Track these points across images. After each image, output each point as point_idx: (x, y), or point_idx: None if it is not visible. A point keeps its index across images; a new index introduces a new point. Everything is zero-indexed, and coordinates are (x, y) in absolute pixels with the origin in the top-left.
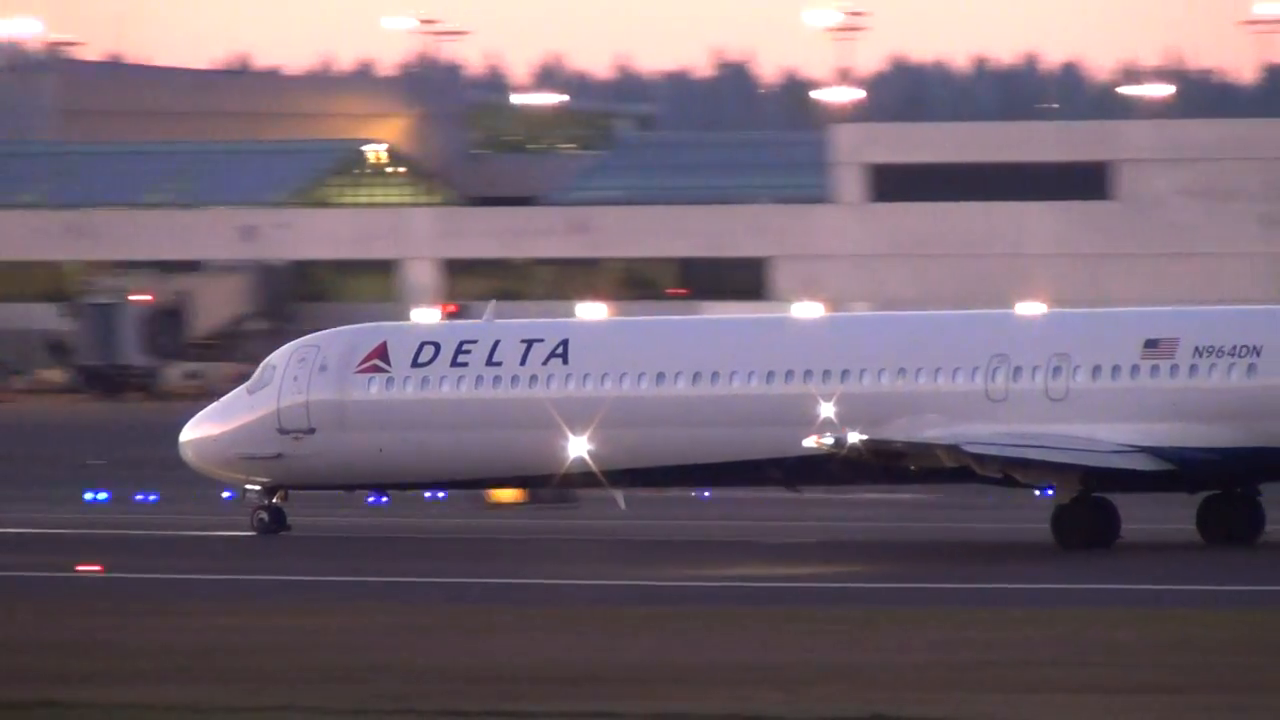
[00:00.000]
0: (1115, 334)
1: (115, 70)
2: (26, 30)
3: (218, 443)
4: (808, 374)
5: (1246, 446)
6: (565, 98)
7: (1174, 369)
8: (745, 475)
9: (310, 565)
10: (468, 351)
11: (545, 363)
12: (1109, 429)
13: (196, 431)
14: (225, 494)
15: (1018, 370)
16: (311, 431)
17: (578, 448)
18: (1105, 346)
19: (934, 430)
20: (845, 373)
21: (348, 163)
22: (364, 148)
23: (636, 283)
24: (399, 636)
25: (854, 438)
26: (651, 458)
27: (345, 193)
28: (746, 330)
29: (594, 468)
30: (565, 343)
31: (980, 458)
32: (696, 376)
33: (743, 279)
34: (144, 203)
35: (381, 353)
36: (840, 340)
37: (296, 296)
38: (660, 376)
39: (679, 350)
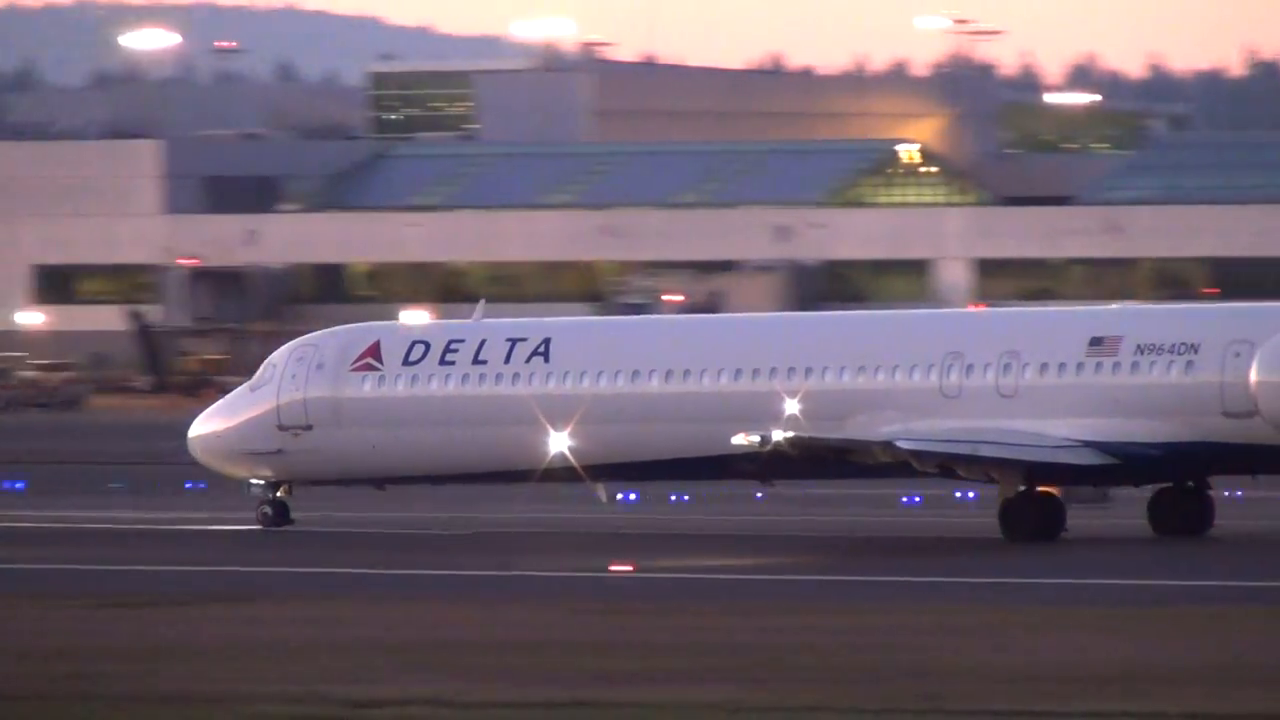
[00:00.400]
0: (1062, 332)
1: (648, 70)
2: (561, 31)
3: (222, 439)
4: (773, 371)
5: (1186, 441)
6: (1097, 97)
7: (1117, 366)
8: (718, 470)
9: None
10: (455, 350)
11: (528, 361)
12: (1056, 424)
13: (203, 428)
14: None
15: (970, 367)
16: (309, 428)
17: (559, 443)
18: (1053, 344)
19: (892, 426)
20: (809, 370)
21: (881, 163)
22: (897, 148)
23: (1169, 282)
24: (932, 637)
25: (778, 435)
26: (627, 453)
27: (879, 193)
28: (719, 329)
29: (574, 462)
30: (547, 341)
31: (916, 454)
32: (669, 374)
33: None
34: (677, 203)
35: (374, 352)
36: (805, 338)
37: (829, 296)
38: (635, 374)
39: (654, 349)
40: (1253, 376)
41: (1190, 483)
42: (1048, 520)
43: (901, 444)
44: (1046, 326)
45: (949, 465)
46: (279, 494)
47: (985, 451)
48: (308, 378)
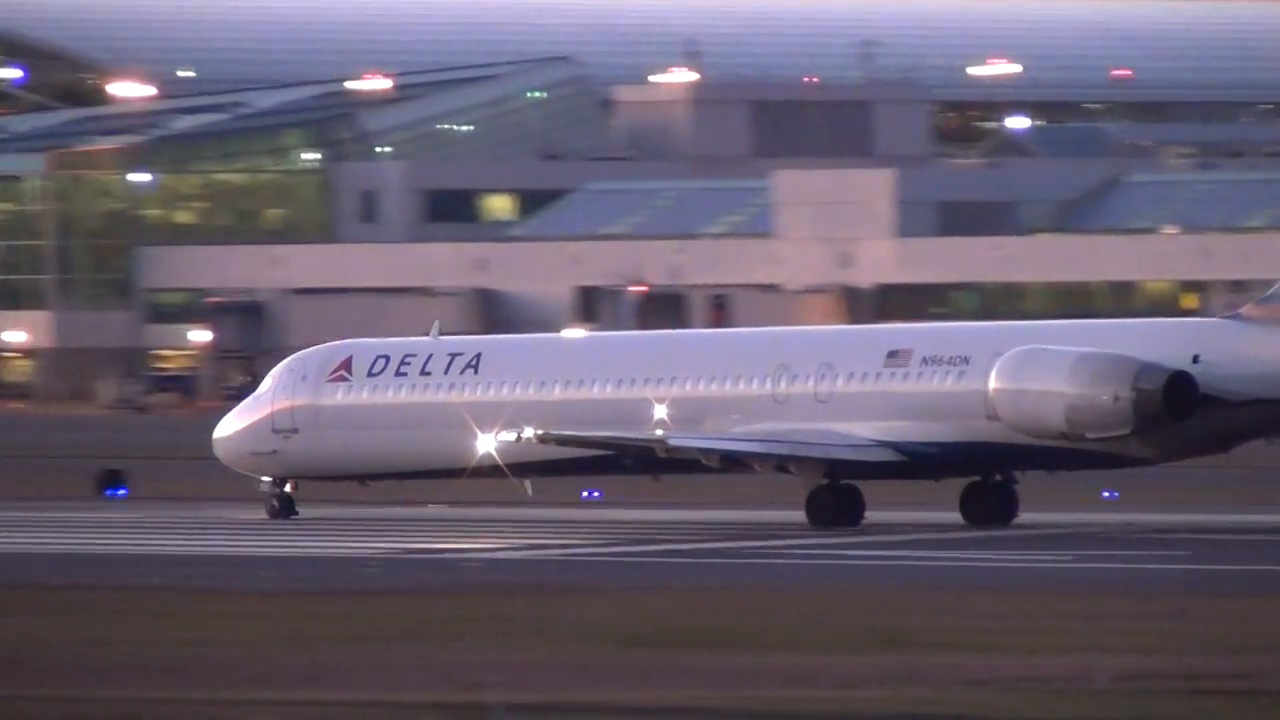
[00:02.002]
0: (866, 346)
1: None
2: None
3: (232, 441)
4: (646, 381)
5: (961, 441)
6: None
7: (906, 375)
8: (610, 467)
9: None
10: (408, 363)
11: (462, 372)
12: (861, 426)
13: (222, 431)
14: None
15: (795, 377)
16: (296, 431)
17: (486, 444)
18: (858, 357)
19: (738, 427)
20: (674, 379)
21: None
22: None
23: None
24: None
25: (529, 432)
26: (539, 453)
27: None
28: (609, 344)
29: (499, 461)
30: (479, 356)
31: (686, 450)
32: (567, 383)
33: None
34: None
35: (347, 364)
36: (670, 353)
37: None
38: (541, 384)
39: (558, 362)
40: (991, 385)
41: (997, 477)
42: (847, 509)
43: (672, 442)
44: (855, 341)
45: (743, 461)
46: (285, 489)
47: (750, 448)
48: (295, 388)
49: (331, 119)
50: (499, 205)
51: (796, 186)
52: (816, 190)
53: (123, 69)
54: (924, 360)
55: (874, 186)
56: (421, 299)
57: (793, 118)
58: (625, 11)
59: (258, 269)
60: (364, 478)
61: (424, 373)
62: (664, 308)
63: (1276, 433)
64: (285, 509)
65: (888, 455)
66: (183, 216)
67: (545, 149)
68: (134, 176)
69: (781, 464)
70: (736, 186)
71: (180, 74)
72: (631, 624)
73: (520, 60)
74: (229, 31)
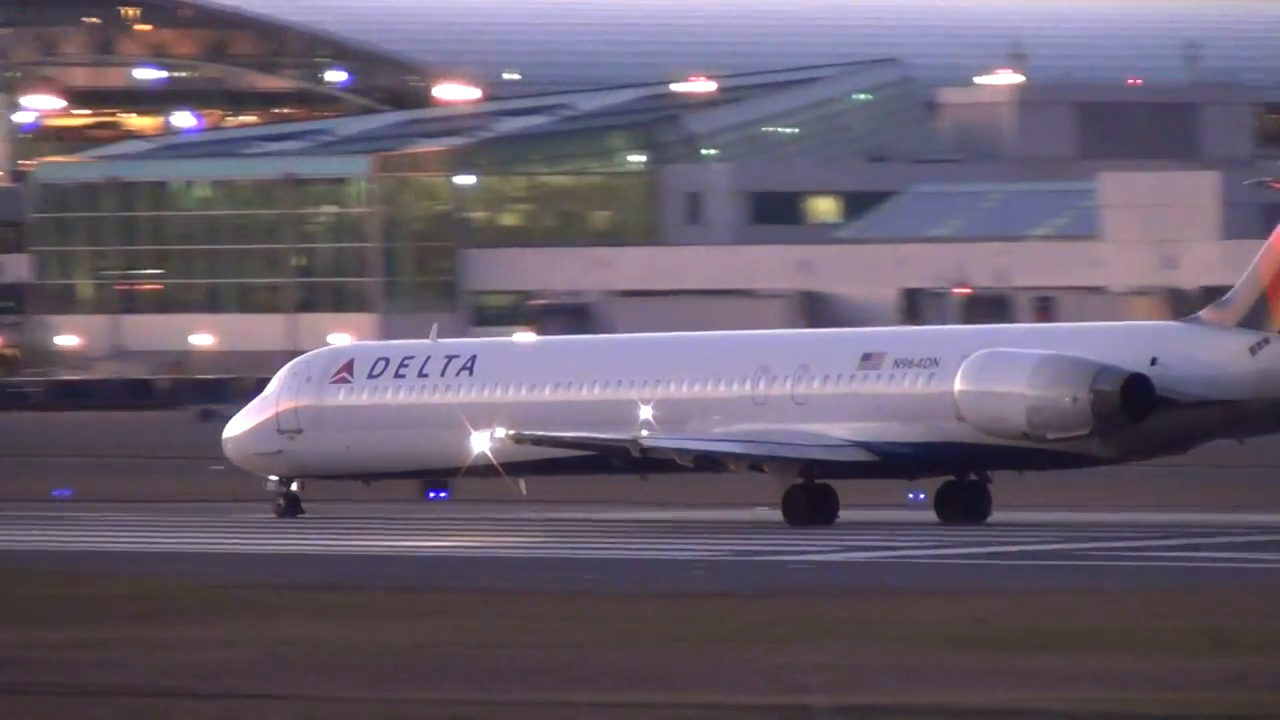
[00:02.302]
0: (842, 349)
1: None
2: None
3: (240, 441)
4: (632, 382)
5: (930, 441)
6: None
7: (879, 377)
8: (599, 467)
9: None
10: (407, 365)
11: (457, 374)
12: (836, 427)
13: (231, 431)
14: None
15: (773, 379)
16: (300, 432)
17: (480, 444)
18: (834, 359)
19: (719, 427)
20: (659, 381)
21: None
22: None
23: None
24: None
25: (500, 433)
26: (530, 453)
27: None
28: (596, 347)
29: (493, 460)
30: (474, 358)
31: (653, 449)
32: (557, 385)
33: None
34: None
35: (348, 367)
36: (658, 355)
37: None
38: (532, 385)
39: (549, 364)
40: (956, 386)
41: (971, 476)
42: (822, 508)
43: (643, 442)
44: (831, 344)
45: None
46: (291, 488)
47: (719, 448)
48: (299, 389)
49: (656, 121)
50: (824, 207)
51: (1121, 188)
52: (1141, 192)
53: (448, 72)
54: (896, 363)
55: (1199, 188)
56: (746, 301)
57: (1117, 120)
58: (950, 13)
59: (583, 271)
60: (365, 477)
61: (421, 374)
62: (988, 310)
63: (1230, 433)
64: (292, 508)
65: (861, 455)
66: (508, 219)
67: (870, 151)
68: (459, 179)
69: (756, 464)
70: (1061, 189)
71: (505, 76)
72: (959, 626)
73: (845, 62)
74: (553, 34)
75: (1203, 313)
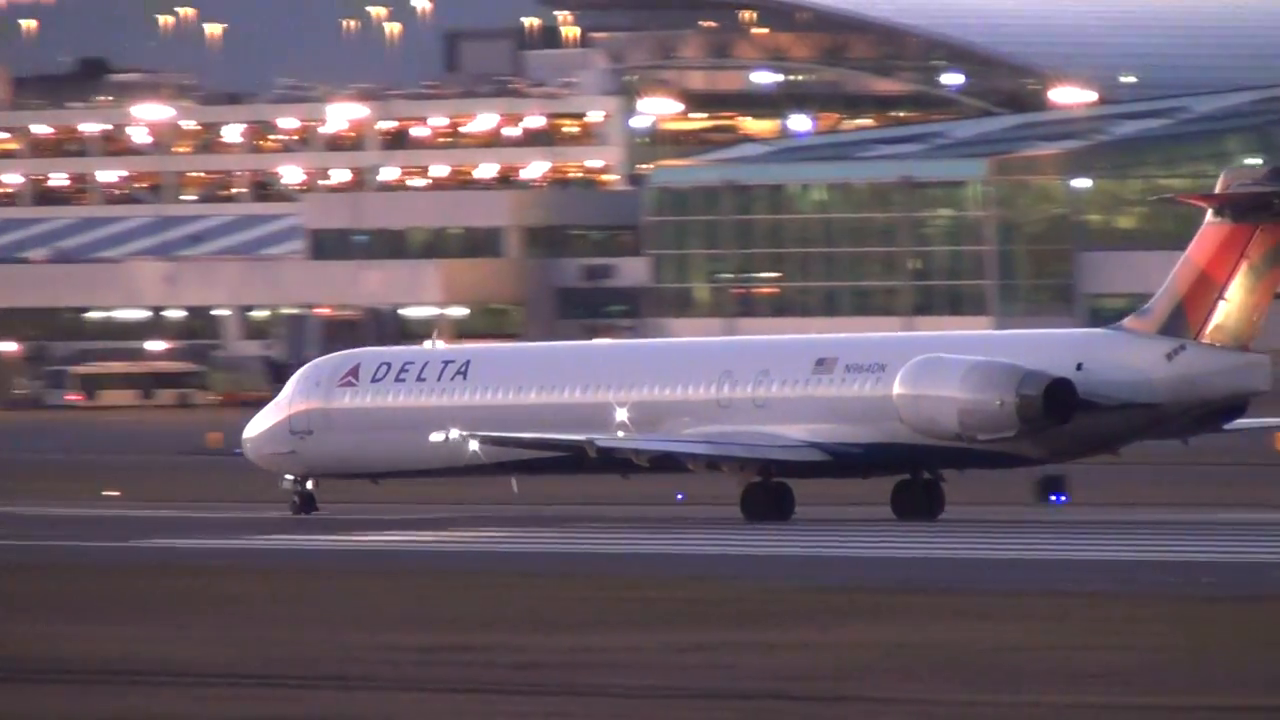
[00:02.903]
0: (798, 355)
1: None
2: None
3: (257, 441)
4: (610, 386)
5: (878, 442)
6: None
7: (832, 382)
8: (580, 465)
9: None
10: (407, 370)
11: (452, 379)
12: (792, 428)
13: (250, 431)
14: None
15: (736, 383)
16: (310, 433)
17: (473, 444)
18: (791, 365)
19: (689, 429)
20: (634, 385)
21: None
22: None
23: None
24: None
25: (454, 433)
26: (518, 453)
27: None
28: (580, 353)
29: (484, 460)
30: (468, 363)
31: (607, 450)
32: (542, 389)
33: None
34: None
35: (355, 371)
36: (635, 361)
37: None
38: (520, 389)
39: (536, 369)
40: (895, 390)
41: (925, 475)
42: (778, 504)
43: (599, 443)
44: (789, 350)
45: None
46: (307, 486)
47: (674, 449)
48: (309, 392)
49: (1273, 124)
50: None
51: None
52: None
53: (1064, 75)
54: (847, 368)
55: None
56: None
57: None
58: None
59: None
60: (371, 476)
61: (420, 379)
62: None
63: (1151, 434)
64: (307, 505)
65: (815, 455)
66: (1124, 222)
67: None
68: (1075, 182)
69: (712, 463)
70: None
71: (1122, 80)
72: None
73: None
74: (1170, 37)
75: (1126, 321)
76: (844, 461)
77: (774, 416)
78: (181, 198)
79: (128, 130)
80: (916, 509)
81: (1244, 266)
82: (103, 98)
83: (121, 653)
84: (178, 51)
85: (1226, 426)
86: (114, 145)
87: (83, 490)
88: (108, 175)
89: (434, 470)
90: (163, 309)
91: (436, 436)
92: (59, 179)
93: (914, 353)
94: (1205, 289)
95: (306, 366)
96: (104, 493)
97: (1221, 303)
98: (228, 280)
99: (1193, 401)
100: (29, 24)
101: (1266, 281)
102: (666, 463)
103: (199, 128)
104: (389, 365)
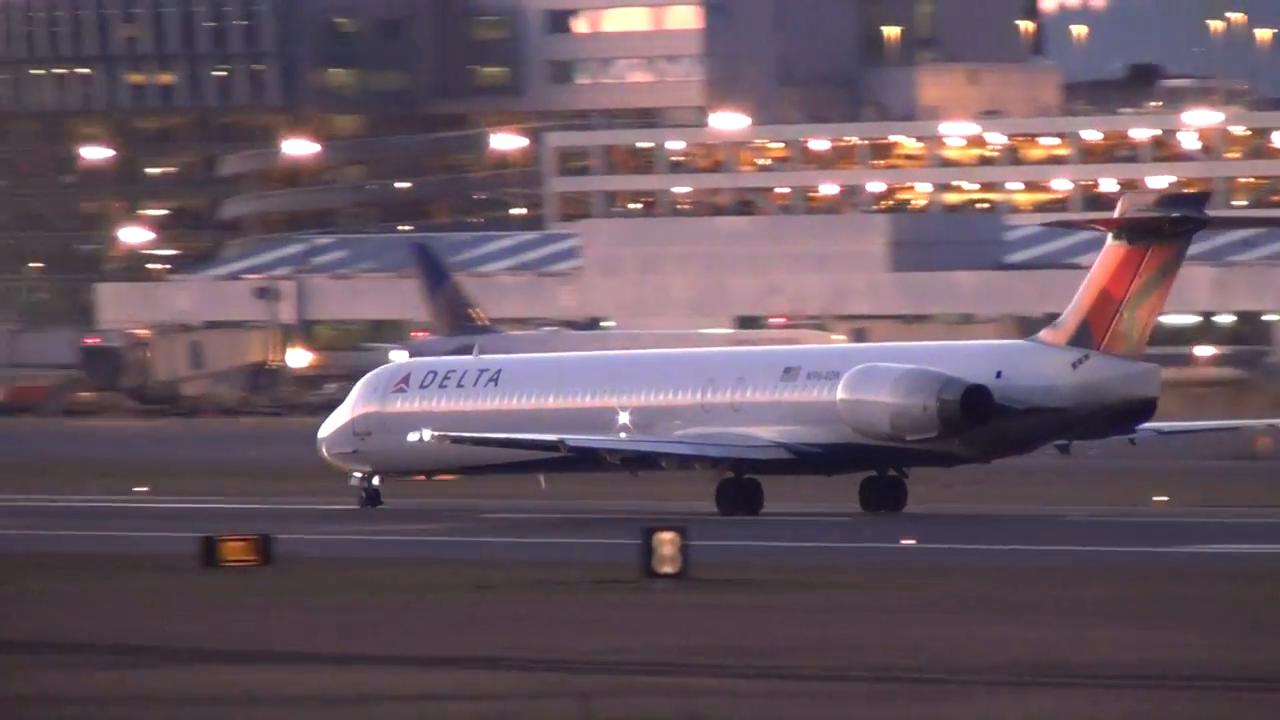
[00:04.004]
0: (769, 364)
1: None
2: None
3: (327, 441)
4: (613, 392)
5: (834, 442)
6: None
7: (796, 388)
8: (594, 465)
9: None
10: (449, 378)
11: (485, 386)
12: (764, 430)
13: (323, 432)
14: None
15: (717, 390)
16: (369, 434)
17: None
18: (763, 373)
19: (680, 431)
20: (634, 391)
21: None
22: None
23: None
24: None
25: (427, 434)
26: (544, 452)
27: None
28: (592, 362)
29: (512, 460)
30: (499, 372)
31: (577, 449)
32: (556, 394)
33: None
34: None
35: (406, 379)
36: (636, 369)
37: None
38: (538, 395)
39: (554, 377)
40: (838, 395)
41: (891, 472)
42: (749, 499)
43: (569, 442)
44: (762, 360)
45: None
46: (373, 482)
47: (646, 449)
48: (368, 397)
49: None
50: None
51: None
52: None
53: None
54: (809, 375)
55: None
56: None
57: None
58: None
59: None
60: (420, 473)
61: (459, 386)
62: None
63: (1062, 435)
64: (372, 500)
65: (781, 454)
66: None
67: None
68: None
69: (684, 462)
70: None
71: None
72: None
73: None
74: None
75: (1042, 333)
76: (806, 460)
77: (749, 419)
78: (1232, 203)
79: (1177, 136)
80: (883, 503)
81: (1138, 284)
82: (1153, 103)
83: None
84: (1228, 56)
85: (1138, 429)
86: (1163, 151)
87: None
88: (1157, 181)
89: (467, 469)
90: (1212, 314)
91: (412, 437)
92: (1108, 184)
93: (857, 358)
94: (1106, 304)
95: (368, 375)
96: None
97: (1119, 316)
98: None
99: (1095, 406)
100: (1080, 30)
101: (1156, 297)
102: (639, 462)
103: (1248, 133)
104: (435, 373)
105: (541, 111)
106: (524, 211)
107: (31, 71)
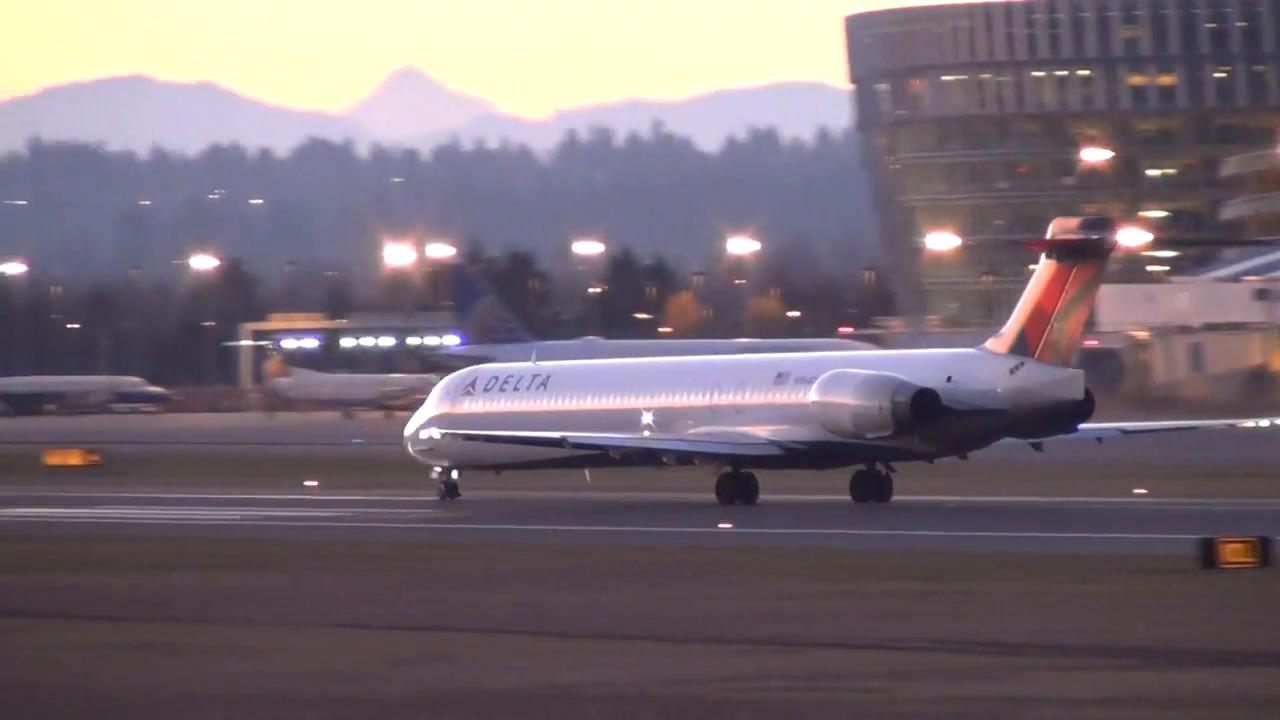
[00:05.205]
0: (763, 370)
1: None
2: None
3: (410, 439)
4: (639, 395)
5: (818, 440)
6: None
7: (786, 391)
8: (629, 460)
9: None
10: (508, 382)
11: (536, 390)
12: (761, 429)
13: (407, 430)
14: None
15: (722, 393)
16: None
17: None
18: (760, 379)
19: (693, 430)
20: (655, 394)
21: None
22: None
23: None
24: None
25: (435, 433)
26: (575, 450)
27: None
28: (626, 369)
29: (562, 456)
30: (549, 377)
31: (579, 446)
32: (593, 397)
33: None
34: None
35: (472, 383)
36: (657, 374)
37: None
38: (578, 397)
39: (591, 381)
40: (811, 398)
41: (878, 466)
42: (745, 491)
43: (571, 439)
44: (759, 367)
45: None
46: (451, 475)
47: (649, 446)
48: (443, 399)
49: None
50: None
51: None
52: None
53: None
54: (796, 380)
55: None
56: None
57: None
58: None
59: None
60: (484, 467)
61: (515, 389)
62: None
63: (1005, 434)
64: (450, 491)
65: (773, 451)
66: None
67: None
68: None
69: (684, 459)
70: None
71: None
72: None
73: None
74: None
75: (988, 342)
76: (795, 456)
77: (748, 420)
78: None
79: None
80: (870, 494)
81: (1066, 298)
82: None
83: None
84: None
85: (1080, 428)
86: None
87: None
88: None
89: (520, 464)
90: None
91: (424, 435)
92: None
93: (832, 365)
94: (1039, 316)
95: (444, 379)
96: None
97: (1050, 327)
98: None
99: (1029, 407)
100: None
101: (1081, 310)
102: (641, 458)
103: None
104: (496, 378)
105: None
106: None
107: (1033, 74)
